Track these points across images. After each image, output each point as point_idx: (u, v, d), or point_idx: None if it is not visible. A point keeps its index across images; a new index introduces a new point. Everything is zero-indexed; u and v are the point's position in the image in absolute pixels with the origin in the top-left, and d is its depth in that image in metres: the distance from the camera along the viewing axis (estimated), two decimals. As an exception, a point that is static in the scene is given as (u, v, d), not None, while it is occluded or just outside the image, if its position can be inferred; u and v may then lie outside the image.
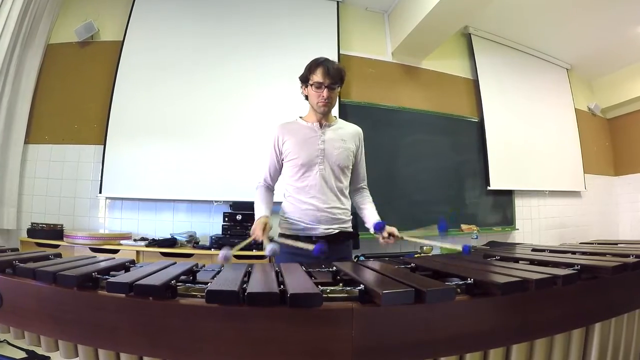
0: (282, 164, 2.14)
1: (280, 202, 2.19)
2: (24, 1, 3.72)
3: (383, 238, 2.00)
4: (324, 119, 2.12)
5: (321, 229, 2.03)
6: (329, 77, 1.98)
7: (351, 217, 2.18)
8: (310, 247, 1.74)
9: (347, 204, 2.16)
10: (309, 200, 2.04)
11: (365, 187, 2.30)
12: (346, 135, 2.14)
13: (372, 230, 2.08)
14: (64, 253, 1.70)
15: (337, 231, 2.07)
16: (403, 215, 4.50)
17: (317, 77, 1.99)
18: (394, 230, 1.99)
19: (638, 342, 1.46)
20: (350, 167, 2.16)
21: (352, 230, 2.17)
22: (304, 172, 2.05)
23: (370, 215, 2.18)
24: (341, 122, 2.21)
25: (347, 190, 2.18)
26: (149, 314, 1.04)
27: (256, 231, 1.87)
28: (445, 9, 4.14)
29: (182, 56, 4.33)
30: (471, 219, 5.11)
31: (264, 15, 4.58)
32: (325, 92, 1.99)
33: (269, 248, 1.65)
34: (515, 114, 5.77)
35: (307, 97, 2.13)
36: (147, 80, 4.21)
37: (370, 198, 2.27)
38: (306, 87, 2.08)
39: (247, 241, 1.88)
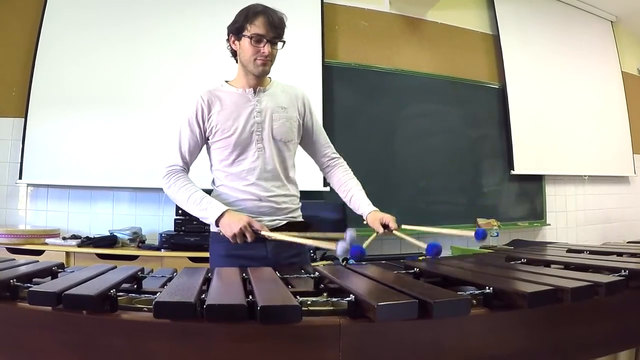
0: (207, 142, 2.12)
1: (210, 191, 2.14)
2: None
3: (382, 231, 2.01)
4: (259, 82, 2.10)
5: (264, 222, 2.02)
6: (272, 28, 1.96)
7: (300, 204, 2.20)
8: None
9: (294, 189, 2.17)
10: (247, 189, 2.03)
11: (336, 156, 2.29)
12: (286, 101, 2.13)
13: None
14: (-28, 256, 1.68)
15: (284, 222, 2.08)
16: (405, 206, 4.55)
17: (258, 28, 1.96)
18: (389, 220, 2.00)
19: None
20: (295, 141, 2.16)
21: (302, 220, 2.18)
22: (238, 153, 2.04)
23: (360, 200, 2.15)
24: (277, 84, 2.19)
25: (294, 172, 2.19)
26: (82, 331, 1.03)
27: (255, 226, 1.86)
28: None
29: (123, 7, 4.27)
30: (490, 211, 5.15)
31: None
32: (266, 48, 1.97)
33: (341, 247, 1.55)
34: (546, 79, 5.80)
35: (234, 54, 2.10)
36: (78, 37, 4.15)
37: (351, 171, 2.26)
38: (237, 39, 2.04)
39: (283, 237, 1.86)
